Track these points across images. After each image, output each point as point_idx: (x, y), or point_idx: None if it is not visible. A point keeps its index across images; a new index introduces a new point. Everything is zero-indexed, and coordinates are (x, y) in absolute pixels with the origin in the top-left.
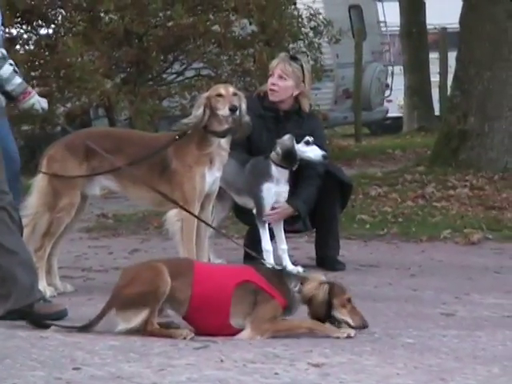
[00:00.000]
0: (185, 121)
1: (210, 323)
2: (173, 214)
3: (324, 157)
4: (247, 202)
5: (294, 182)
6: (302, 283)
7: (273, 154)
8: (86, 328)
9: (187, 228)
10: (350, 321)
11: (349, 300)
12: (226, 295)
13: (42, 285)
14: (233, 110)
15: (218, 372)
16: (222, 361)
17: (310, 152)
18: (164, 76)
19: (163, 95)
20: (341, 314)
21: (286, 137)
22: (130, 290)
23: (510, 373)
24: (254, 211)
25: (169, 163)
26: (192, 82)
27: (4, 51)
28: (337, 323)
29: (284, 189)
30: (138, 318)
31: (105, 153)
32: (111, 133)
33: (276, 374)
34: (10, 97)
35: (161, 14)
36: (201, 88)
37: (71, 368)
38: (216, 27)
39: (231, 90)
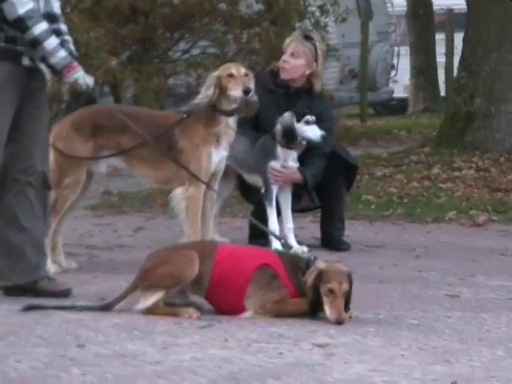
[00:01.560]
0: (196, 101)
1: (226, 302)
2: (179, 193)
3: (323, 137)
4: (257, 181)
5: (301, 163)
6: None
7: (275, 129)
8: (107, 307)
9: (193, 206)
10: (327, 312)
11: (331, 290)
12: (246, 277)
13: (47, 261)
14: (247, 91)
15: (222, 351)
16: (226, 340)
17: (309, 131)
18: (170, 54)
19: (169, 73)
20: (323, 302)
21: (286, 114)
22: (159, 273)
23: None
24: (262, 190)
25: (175, 141)
26: (198, 60)
27: (47, 24)
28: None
29: (291, 167)
30: (152, 299)
31: (131, 124)
32: (117, 110)
33: (280, 353)
34: (55, 70)
35: None
36: (207, 66)
37: (75, 345)
38: (222, 5)
39: (243, 70)
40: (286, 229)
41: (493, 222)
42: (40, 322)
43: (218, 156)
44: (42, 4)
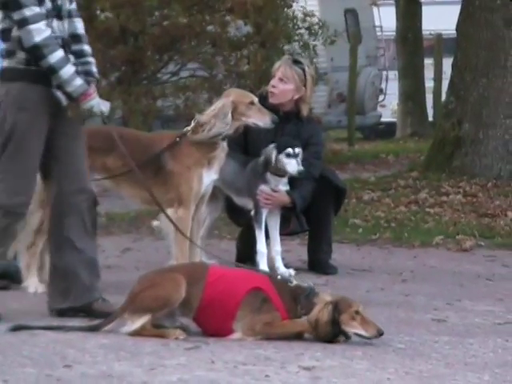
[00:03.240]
0: (215, 131)
1: (215, 324)
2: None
3: (300, 173)
4: (247, 203)
5: (290, 186)
6: (311, 308)
7: (259, 159)
8: (95, 328)
9: (181, 228)
10: (363, 332)
11: (357, 312)
12: (237, 300)
13: (34, 281)
14: (275, 121)
15: (209, 373)
16: (212, 362)
17: (288, 165)
18: (159, 76)
19: (157, 95)
20: (352, 327)
21: (270, 146)
22: (147, 297)
23: (501, 380)
24: (252, 212)
25: (164, 163)
26: (186, 83)
27: (64, 52)
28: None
29: (280, 190)
30: (140, 322)
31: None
32: (104, 131)
33: (267, 376)
34: (71, 97)
35: (157, 13)
36: (195, 89)
37: (62, 365)
38: (211, 27)
39: (255, 98)
40: (274, 251)
41: (480, 247)
42: (27, 341)
43: (208, 179)
44: (66, 25)
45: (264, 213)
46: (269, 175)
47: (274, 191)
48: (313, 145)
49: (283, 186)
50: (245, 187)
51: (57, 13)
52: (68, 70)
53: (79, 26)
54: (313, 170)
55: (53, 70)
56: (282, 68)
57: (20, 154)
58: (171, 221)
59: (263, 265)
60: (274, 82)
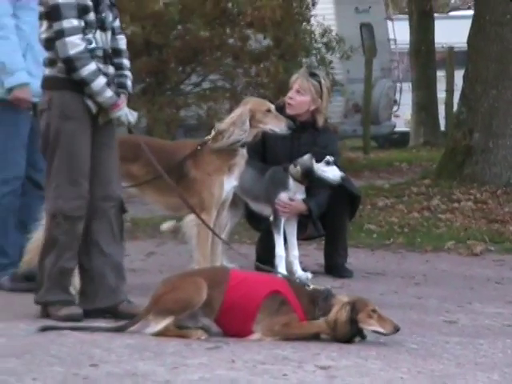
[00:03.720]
0: (234, 138)
1: (236, 326)
2: (190, 220)
3: (342, 178)
4: (263, 209)
5: (306, 193)
6: (330, 310)
7: (292, 168)
8: (121, 329)
9: (203, 233)
10: (381, 329)
11: (374, 311)
12: (257, 302)
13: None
14: (291, 127)
15: (229, 372)
16: (233, 361)
17: (329, 172)
18: (181, 86)
19: (180, 105)
20: (369, 325)
21: (306, 157)
22: (169, 299)
23: (510, 380)
24: (271, 218)
25: (187, 171)
26: (208, 93)
27: (96, 66)
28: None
29: (298, 199)
30: (163, 323)
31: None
32: (130, 140)
33: (284, 375)
34: (101, 107)
35: (179, 27)
36: (217, 99)
37: (88, 365)
38: (232, 41)
39: (272, 105)
40: (292, 256)
41: (490, 251)
42: (55, 341)
43: (229, 185)
44: (108, 37)
45: (283, 219)
46: (291, 183)
47: (291, 200)
48: (329, 154)
49: (302, 193)
50: (262, 194)
51: (100, 24)
52: (99, 83)
53: (122, 42)
54: (320, 199)
55: (84, 82)
56: (299, 80)
57: (70, 161)
58: (203, 221)
59: (282, 268)
60: (291, 93)
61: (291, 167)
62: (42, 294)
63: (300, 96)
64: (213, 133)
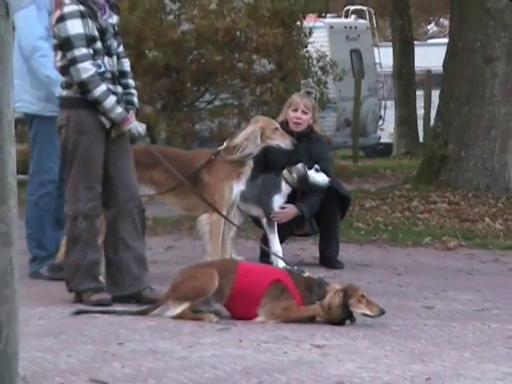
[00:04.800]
0: (248, 151)
1: (243, 310)
2: (203, 218)
3: (330, 182)
4: (250, 209)
5: (302, 193)
6: (324, 295)
7: (286, 174)
8: (144, 312)
9: (215, 230)
10: (369, 312)
11: (363, 296)
12: (262, 289)
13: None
14: (295, 144)
15: (237, 350)
16: (240, 341)
17: (319, 178)
18: (196, 104)
19: (195, 120)
20: (359, 309)
21: (300, 165)
22: (186, 287)
23: (479, 357)
24: (264, 220)
25: (201, 177)
26: (219, 110)
27: (106, 86)
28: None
29: (284, 201)
30: (180, 308)
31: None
32: (150, 149)
33: (285, 352)
34: (113, 122)
35: (194, 52)
36: (226, 114)
37: (116, 343)
38: (240, 64)
39: (278, 124)
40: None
41: (461, 246)
42: (87, 323)
43: (237, 189)
44: (115, 61)
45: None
46: (284, 187)
47: (283, 208)
48: (322, 160)
49: (287, 193)
50: (252, 196)
51: (107, 51)
52: (110, 101)
53: (126, 64)
54: (311, 203)
55: (97, 102)
56: (304, 101)
57: (86, 170)
58: (225, 217)
59: (281, 263)
60: (297, 114)
61: (285, 173)
62: (76, 284)
63: (305, 115)
64: (225, 144)
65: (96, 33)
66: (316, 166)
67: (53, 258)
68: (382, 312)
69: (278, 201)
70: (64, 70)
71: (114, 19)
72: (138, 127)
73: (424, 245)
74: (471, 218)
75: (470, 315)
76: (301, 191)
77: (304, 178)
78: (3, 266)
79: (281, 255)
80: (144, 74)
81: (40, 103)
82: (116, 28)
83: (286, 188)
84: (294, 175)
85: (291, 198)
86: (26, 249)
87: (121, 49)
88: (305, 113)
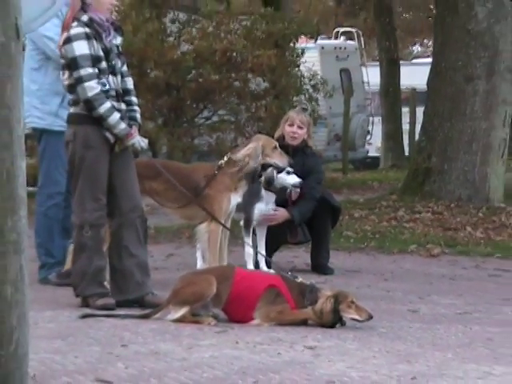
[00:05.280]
0: (252, 165)
1: (240, 313)
2: (202, 227)
3: (300, 183)
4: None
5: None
6: (316, 300)
7: (261, 180)
8: (146, 316)
9: (213, 239)
10: (358, 317)
11: (352, 302)
12: (257, 294)
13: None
14: (291, 163)
15: (234, 351)
16: (237, 342)
17: (290, 179)
18: (195, 120)
19: (194, 135)
20: (349, 313)
21: (269, 169)
22: (186, 292)
23: (460, 357)
24: (241, 223)
25: (202, 189)
26: (217, 125)
27: (110, 104)
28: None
29: (270, 208)
30: (181, 312)
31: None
32: (153, 162)
33: (279, 353)
34: (117, 137)
35: (193, 72)
36: (223, 130)
37: (120, 345)
38: (237, 83)
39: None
40: (259, 255)
41: (445, 253)
42: (93, 326)
43: (234, 201)
44: (119, 80)
45: (252, 226)
46: (264, 193)
47: (275, 210)
48: (315, 173)
49: (271, 203)
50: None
51: (111, 70)
52: (114, 118)
53: (129, 83)
54: (314, 192)
55: (102, 118)
56: (299, 117)
57: (92, 182)
58: (223, 225)
59: (250, 264)
60: (293, 129)
61: (261, 179)
62: (82, 289)
63: (301, 130)
64: (225, 158)
65: (101, 53)
66: (288, 168)
67: (60, 265)
68: (370, 317)
69: (259, 209)
70: (71, 88)
71: (118, 40)
72: (140, 142)
73: (409, 252)
74: (454, 227)
75: (453, 318)
76: (291, 199)
77: (269, 180)
78: (14, 272)
79: (251, 259)
80: (146, 91)
81: (49, 118)
82: (120, 48)
83: (267, 195)
84: (263, 178)
85: (283, 204)
86: (35, 256)
87: (124, 68)
88: (300, 127)
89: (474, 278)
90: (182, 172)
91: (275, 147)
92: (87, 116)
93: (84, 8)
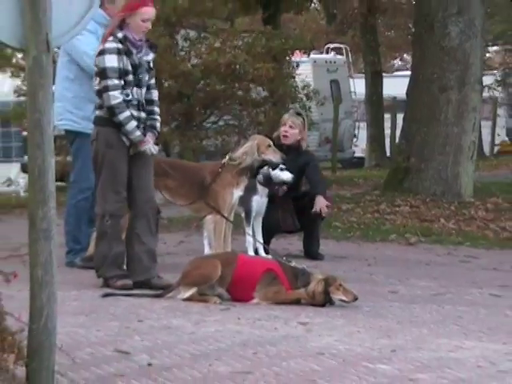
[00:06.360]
0: (248, 161)
1: (241, 293)
2: (209, 218)
3: (292, 178)
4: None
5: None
6: (308, 282)
7: (258, 177)
8: (160, 295)
9: (218, 229)
10: (345, 298)
11: (340, 285)
12: (256, 277)
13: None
14: (283, 158)
15: (236, 326)
16: (239, 319)
17: (284, 175)
18: (204, 124)
19: (203, 137)
20: (337, 295)
21: (265, 168)
22: (194, 275)
23: (435, 333)
24: (243, 215)
25: (207, 184)
26: (222, 129)
27: (129, 113)
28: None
29: (264, 200)
30: (190, 292)
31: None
32: (163, 161)
33: (275, 328)
34: (132, 142)
35: (202, 82)
36: (228, 133)
37: (136, 320)
38: (239, 92)
39: (271, 141)
40: (257, 242)
41: (421, 242)
42: (113, 304)
43: (237, 195)
44: (143, 92)
45: (251, 216)
46: (259, 187)
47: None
48: (311, 166)
49: (265, 196)
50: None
51: (137, 83)
52: (131, 125)
53: (154, 94)
54: (317, 176)
55: (121, 124)
56: (291, 118)
57: (113, 177)
58: (226, 218)
59: (250, 250)
60: (285, 128)
61: (258, 177)
62: (104, 271)
63: (292, 130)
64: (227, 158)
65: (129, 67)
66: (281, 165)
67: (85, 251)
68: (356, 298)
69: (256, 201)
70: (99, 93)
71: (150, 56)
72: (151, 149)
73: (390, 241)
74: (429, 219)
75: (428, 299)
76: (277, 194)
77: (266, 177)
78: (44, 256)
79: (251, 246)
80: (161, 99)
81: (83, 122)
82: (151, 64)
83: (261, 189)
84: (261, 175)
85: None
86: (62, 243)
87: (152, 81)
88: (291, 127)
89: (447, 263)
90: (189, 170)
91: (269, 145)
92: (109, 119)
93: (122, 26)
